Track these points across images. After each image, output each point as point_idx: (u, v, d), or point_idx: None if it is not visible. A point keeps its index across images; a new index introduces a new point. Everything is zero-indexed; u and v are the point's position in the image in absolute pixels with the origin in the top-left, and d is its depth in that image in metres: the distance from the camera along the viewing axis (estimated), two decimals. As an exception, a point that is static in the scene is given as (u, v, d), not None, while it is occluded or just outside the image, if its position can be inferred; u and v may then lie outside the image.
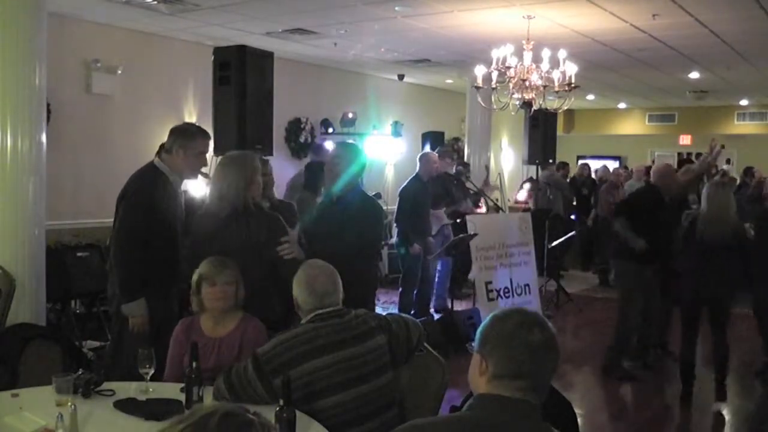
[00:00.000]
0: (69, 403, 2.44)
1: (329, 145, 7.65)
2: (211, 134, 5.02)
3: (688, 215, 5.58)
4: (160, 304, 3.63)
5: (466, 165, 8.86)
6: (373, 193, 8.79)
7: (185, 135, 3.75)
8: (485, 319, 1.78)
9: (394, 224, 7.48)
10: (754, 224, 5.60)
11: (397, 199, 7.24)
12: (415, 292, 7.12)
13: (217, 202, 3.46)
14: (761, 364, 5.96)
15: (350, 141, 7.54)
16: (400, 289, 7.16)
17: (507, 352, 1.68)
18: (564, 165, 11.71)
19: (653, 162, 14.65)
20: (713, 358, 5.27)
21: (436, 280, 7.67)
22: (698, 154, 14.24)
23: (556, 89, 6.75)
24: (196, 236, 3.59)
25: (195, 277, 3.05)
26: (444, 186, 7.62)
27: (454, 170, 8.00)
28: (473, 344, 1.81)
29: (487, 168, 9.82)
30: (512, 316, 1.74)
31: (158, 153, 3.84)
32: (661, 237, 5.61)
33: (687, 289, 5.28)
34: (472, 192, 8.11)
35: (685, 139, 15.55)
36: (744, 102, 14.21)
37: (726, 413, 5.18)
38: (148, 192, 3.64)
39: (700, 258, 5.11)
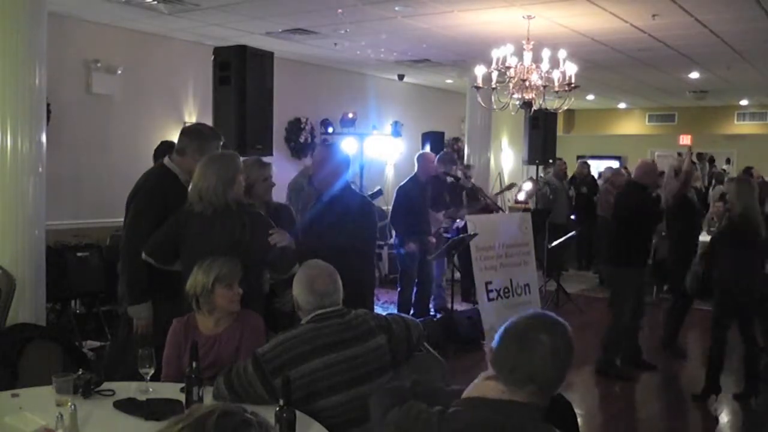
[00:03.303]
0: (69, 403, 2.44)
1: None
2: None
3: (722, 218, 5.52)
4: (167, 305, 3.59)
5: (469, 167, 8.83)
6: (375, 189, 8.83)
7: (201, 137, 3.73)
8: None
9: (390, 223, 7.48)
10: None
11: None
12: (414, 291, 7.13)
13: (197, 203, 3.46)
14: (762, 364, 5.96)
15: (331, 142, 7.58)
16: (399, 288, 7.18)
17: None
18: (559, 159, 11.65)
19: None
20: (744, 356, 5.24)
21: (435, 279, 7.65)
22: (699, 154, 14.26)
23: (556, 89, 6.75)
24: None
25: (205, 278, 3.01)
26: (440, 190, 7.61)
27: (459, 174, 8.00)
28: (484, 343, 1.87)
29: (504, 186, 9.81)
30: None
31: (159, 153, 3.81)
32: (651, 235, 5.62)
33: (720, 290, 5.20)
34: (468, 190, 8.10)
35: (685, 139, 15.54)
36: (744, 102, 14.21)
37: (726, 413, 5.18)
38: (160, 192, 3.64)
39: (734, 258, 5.07)
